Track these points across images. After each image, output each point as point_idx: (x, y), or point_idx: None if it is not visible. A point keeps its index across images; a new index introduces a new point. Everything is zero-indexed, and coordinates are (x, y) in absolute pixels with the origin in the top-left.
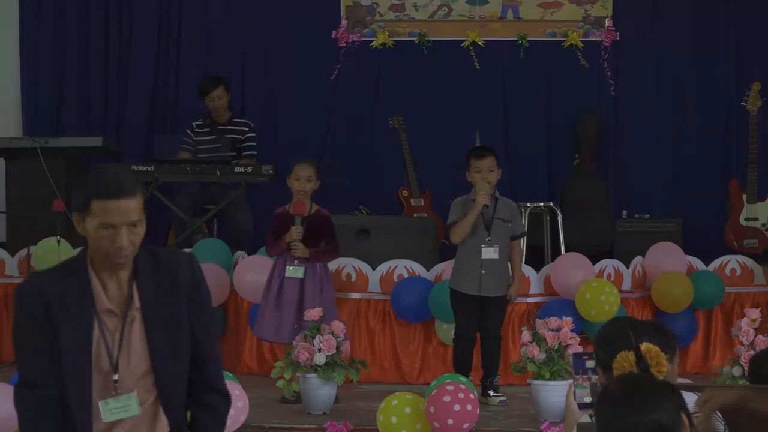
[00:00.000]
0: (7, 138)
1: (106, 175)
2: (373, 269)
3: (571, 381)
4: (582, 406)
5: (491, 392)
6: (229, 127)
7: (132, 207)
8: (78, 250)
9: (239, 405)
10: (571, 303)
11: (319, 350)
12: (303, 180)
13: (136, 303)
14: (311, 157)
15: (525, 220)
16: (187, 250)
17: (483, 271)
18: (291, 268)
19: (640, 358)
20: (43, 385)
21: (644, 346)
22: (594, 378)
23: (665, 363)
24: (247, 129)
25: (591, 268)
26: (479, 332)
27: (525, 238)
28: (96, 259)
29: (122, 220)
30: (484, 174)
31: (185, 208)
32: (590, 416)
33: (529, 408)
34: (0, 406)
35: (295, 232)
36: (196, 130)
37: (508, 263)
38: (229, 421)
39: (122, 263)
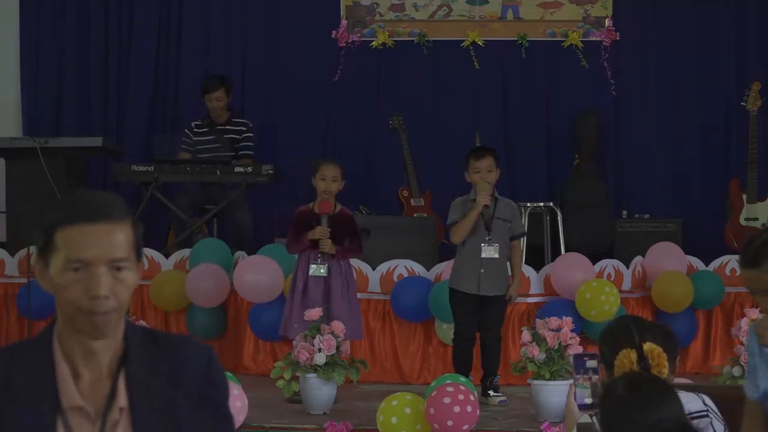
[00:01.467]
0: (7, 138)
1: (80, 195)
2: (373, 269)
3: (571, 381)
4: (582, 407)
5: (491, 392)
6: (227, 127)
7: (117, 238)
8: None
9: (238, 405)
10: (571, 303)
11: (319, 350)
12: (329, 180)
13: (122, 401)
14: (310, 157)
15: (525, 220)
16: (186, 251)
17: (482, 271)
18: (314, 266)
19: (641, 357)
20: None
21: (647, 346)
22: (595, 378)
23: (666, 365)
24: (245, 129)
25: (591, 268)
26: (479, 332)
27: (525, 238)
28: (65, 331)
29: (100, 254)
30: (483, 174)
31: (185, 208)
32: (590, 416)
33: (529, 408)
34: None
35: (320, 231)
36: (195, 130)
37: (508, 263)
38: None
39: (101, 325)
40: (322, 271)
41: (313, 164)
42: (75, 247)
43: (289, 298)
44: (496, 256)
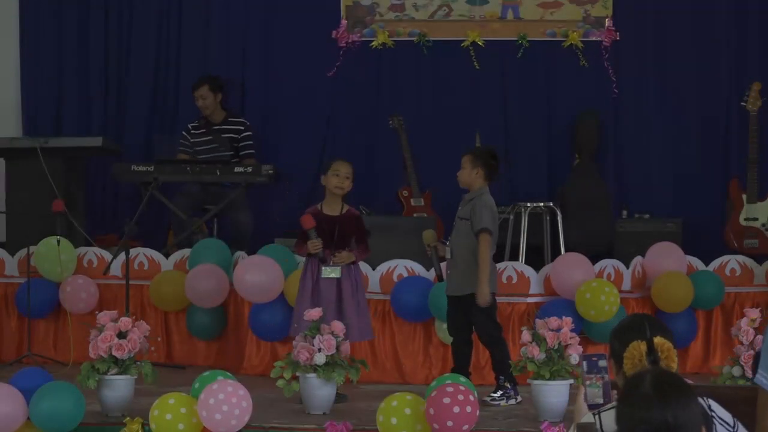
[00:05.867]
0: (7, 138)
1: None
2: (373, 269)
3: (572, 381)
4: (593, 407)
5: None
6: (224, 127)
7: None
8: None
9: (244, 405)
10: (571, 303)
11: (319, 350)
12: (342, 176)
13: None
14: (310, 156)
15: (525, 220)
16: (186, 251)
17: (448, 272)
18: (327, 269)
19: (651, 349)
20: None
21: (658, 339)
22: (606, 378)
23: (676, 360)
24: (243, 128)
25: (591, 268)
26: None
27: (525, 239)
28: None
29: None
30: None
31: (185, 208)
32: (594, 415)
33: (529, 408)
34: (0, 405)
35: (312, 246)
36: (192, 131)
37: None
38: (234, 422)
39: None
40: (335, 273)
41: (326, 165)
42: None
43: (299, 300)
44: (449, 256)
